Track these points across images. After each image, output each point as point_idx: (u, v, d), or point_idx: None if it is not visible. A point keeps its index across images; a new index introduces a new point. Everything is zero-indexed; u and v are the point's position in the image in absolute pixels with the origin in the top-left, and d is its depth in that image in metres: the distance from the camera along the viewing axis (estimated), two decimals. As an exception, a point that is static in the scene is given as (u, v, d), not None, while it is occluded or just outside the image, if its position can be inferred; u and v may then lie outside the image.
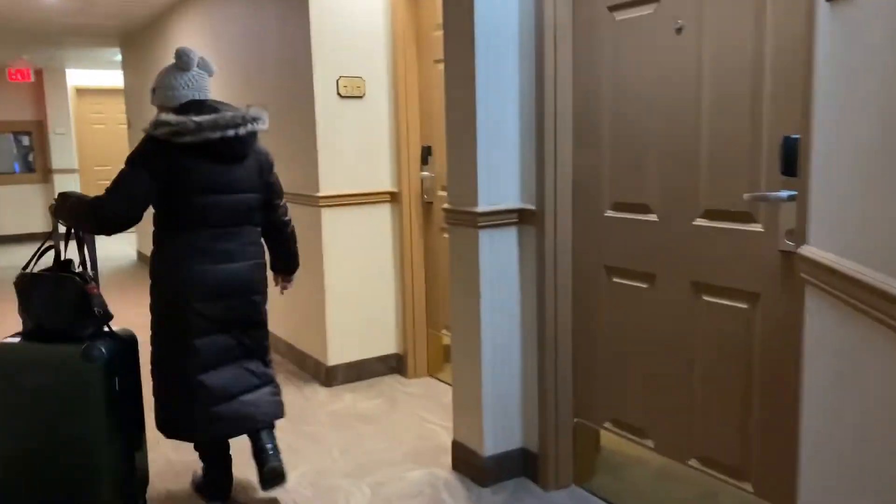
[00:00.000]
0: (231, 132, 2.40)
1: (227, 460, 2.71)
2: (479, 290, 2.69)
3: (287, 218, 2.79)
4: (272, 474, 2.56)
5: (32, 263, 2.52)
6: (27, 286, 2.47)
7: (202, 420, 2.50)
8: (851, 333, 1.39)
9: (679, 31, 2.16)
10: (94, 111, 11.33)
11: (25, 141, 10.86)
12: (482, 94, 2.61)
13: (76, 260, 2.54)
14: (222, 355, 2.52)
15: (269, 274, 2.77)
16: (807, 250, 1.62)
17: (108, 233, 2.47)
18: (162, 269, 2.51)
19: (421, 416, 3.54)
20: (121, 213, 2.41)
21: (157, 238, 2.54)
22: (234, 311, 2.53)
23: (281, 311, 4.51)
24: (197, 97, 2.50)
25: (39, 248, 2.56)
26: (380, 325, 4.12)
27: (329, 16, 3.81)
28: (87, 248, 2.58)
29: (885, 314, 1.19)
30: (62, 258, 2.54)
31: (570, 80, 2.56)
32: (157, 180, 2.40)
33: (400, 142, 3.95)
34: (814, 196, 1.62)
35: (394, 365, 4.16)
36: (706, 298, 2.17)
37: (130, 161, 2.42)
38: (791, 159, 1.82)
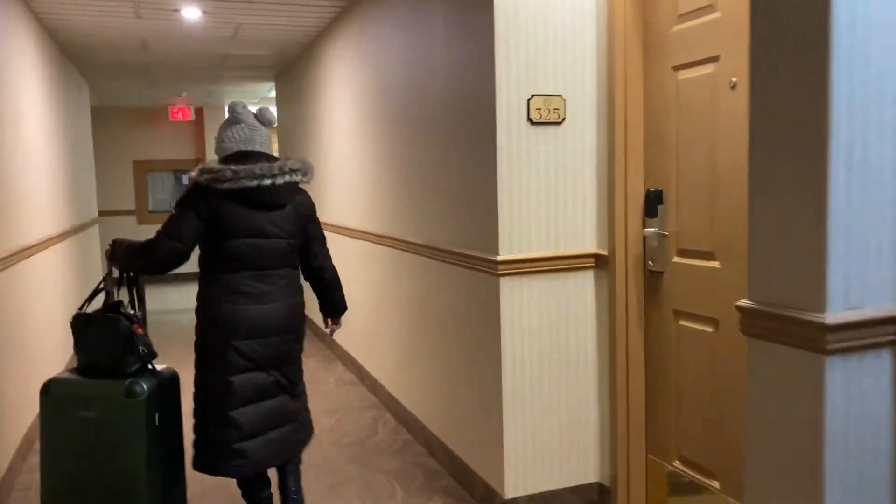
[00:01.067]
0: (267, 181, 2.56)
1: (262, 489, 2.82)
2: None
3: (327, 263, 2.91)
4: None
5: (86, 304, 2.75)
6: (81, 325, 2.66)
7: (228, 455, 2.60)
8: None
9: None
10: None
11: (185, 179, 10.75)
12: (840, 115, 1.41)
13: (126, 301, 2.72)
14: (257, 392, 2.64)
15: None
16: None
17: (160, 271, 2.66)
18: (203, 308, 2.66)
19: None
20: (171, 252, 2.56)
21: (201, 279, 2.69)
22: (270, 349, 2.64)
23: (439, 401, 3.45)
24: (244, 148, 2.67)
25: (94, 290, 2.80)
26: (577, 439, 2.93)
27: (519, 19, 2.75)
28: (137, 290, 2.77)
29: None
30: (113, 300, 2.71)
31: None
32: (202, 222, 2.57)
33: (614, 184, 2.78)
34: None
35: (594, 499, 2.94)
36: None
37: (179, 204, 2.62)
38: None
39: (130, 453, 2.54)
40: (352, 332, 4.79)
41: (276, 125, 2.97)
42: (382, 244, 4.30)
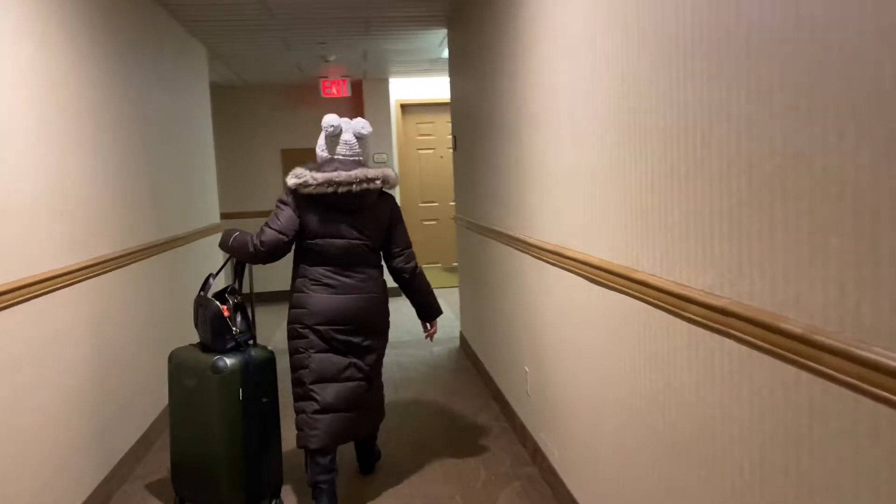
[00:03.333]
0: (344, 189, 2.87)
1: (322, 472, 2.96)
2: None
3: (410, 265, 3.16)
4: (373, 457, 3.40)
5: (206, 287, 3.10)
6: (196, 305, 3.06)
7: (306, 424, 2.93)
8: None
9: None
10: (420, 132, 8.88)
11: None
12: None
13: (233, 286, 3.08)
14: (333, 373, 2.95)
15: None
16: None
17: (264, 261, 2.96)
18: (293, 295, 3.03)
19: None
20: (269, 245, 2.90)
21: (294, 270, 3.07)
22: (346, 335, 2.97)
23: None
24: (334, 156, 2.99)
25: (209, 275, 3.17)
26: None
27: None
28: (240, 276, 3.08)
29: None
30: (234, 285, 3.08)
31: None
32: (298, 218, 2.94)
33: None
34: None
35: None
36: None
37: (279, 202, 2.97)
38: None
39: (214, 423, 2.85)
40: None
41: (367, 133, 3.04)
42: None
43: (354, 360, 2.98)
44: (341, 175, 2.86)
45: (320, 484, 2.91)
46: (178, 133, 5.09)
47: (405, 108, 8.77)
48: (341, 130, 2.99)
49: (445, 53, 6.72)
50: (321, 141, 3.02)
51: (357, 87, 8.42)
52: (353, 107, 8.64)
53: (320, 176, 2.86)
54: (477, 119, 4.60)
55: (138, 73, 4.14)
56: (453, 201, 9.12)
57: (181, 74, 5.35)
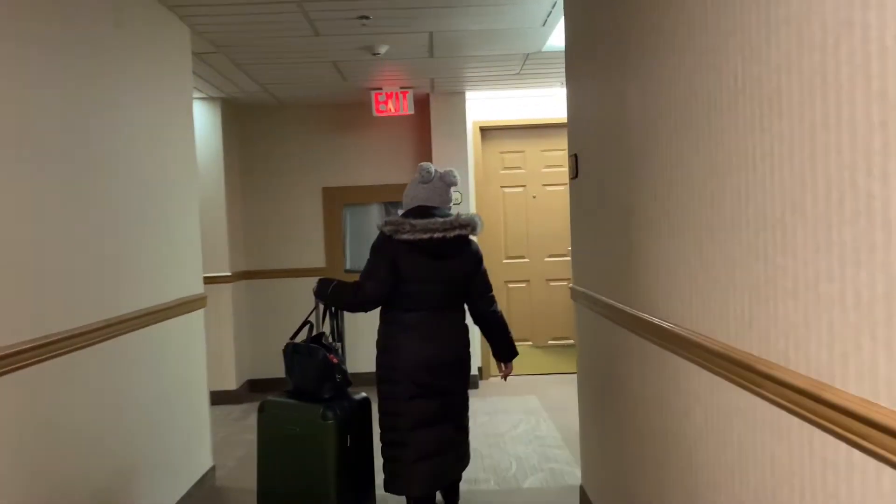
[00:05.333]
0: (439, 235, 2.99)
1: None
2: None
3: (492, 308, 3.29)
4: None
5: (296, 335, 3.23)
6: (289, 353, 3.16)
7: (404, 473, 3.03)
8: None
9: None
10: (506, 164, 6.65)
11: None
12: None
13: (327, 333, 3.23)
14: (426, 418, 3.03)
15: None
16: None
17: (366, 310, 3.13)
18: (382, 340, 3.12)
19: None
20: (375, 293, 3.04)
21: (382, 315, 3.16)
22: (437, 379, 3.05)
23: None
24: (425, 203, 3.12)
25: (302, 323, 3.25)
26: None
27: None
28: (338, 324, 3.25)
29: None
30: (317, 332, 3.22)
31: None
32: (392, 265, 3.03)
33: None
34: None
35: None
36: None
37: (374, 250, 3.08)
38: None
39: (324, 468, 2.97)
40: None
41: (457, 184, 3.21)
42: None
43: (446, 404, 3.08)
44: (437, 222, 3.02)
45: None
46: (124, 163, 3.04)
47: (486, 132, 6.58)
48: (437, 178, 3.15)
49: (554, 38, 4.51)
50: (414, 190, 3.15)
51: (422, 104, 6.29)
52: (417, 129, 6.50)
53: (419, 222, 3.01)
54: (625, 127, 2.37)
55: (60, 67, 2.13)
56: (550, 257, 6.92)
57: (147, 74, 3.32)
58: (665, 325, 2.12)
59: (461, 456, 3.24)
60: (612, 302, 2.71)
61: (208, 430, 4.10)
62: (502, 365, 3.40)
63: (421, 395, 3.01)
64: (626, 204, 2.49)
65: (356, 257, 6.59)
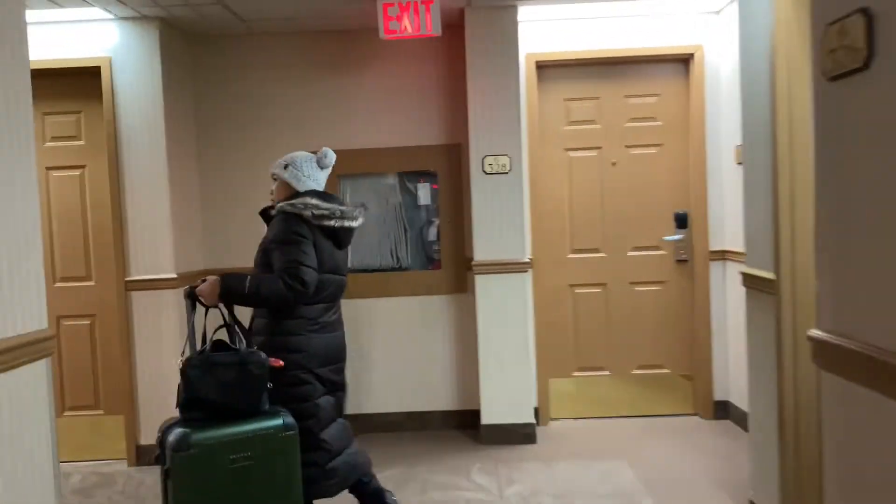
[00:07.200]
0: (349, 223, 2.86)
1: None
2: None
3: None
4: None
5: (189, 348, 2.71)
6: (203, 370, 2.68)
7: (329, 477, 2.82)
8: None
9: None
10: (573, 118, 4.63)
11: (423, 195, 4.66)
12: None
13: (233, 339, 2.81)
14: (332, 413, 2.89)
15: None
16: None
17: (304, 302, 2.76)
18: (283, 338, 2.79)
19: None
20: (314, 282, 2.72)
21: (275, 311, 2.79)
22: (338, 373, 2.93)
23: None
24: (316, 188, 2.90)
25: (191, 333, 2.76)
26: None
27: None
28: (240, 326, 2.79)
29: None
30: (230, 334, 2.79)
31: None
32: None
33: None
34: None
35: None
36: None
37: (295, 234, 2.74)
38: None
39: (288, 488, 2.60)
40: None
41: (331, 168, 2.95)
42: None
43: (341, 399, 2.98)
44: (349, 210, 2.87)
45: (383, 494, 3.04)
46: None
47: (545, 69, 4.54)
48: (326, 162, 2.97)
49: None
50: (313, 171, 2.93)
51: (453, 24, 4.29)
52: (445, 63, 4.51)
53: (343, 209, 2.84)
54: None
55: None
56: (636, 250, 4.56)
57: None
58: None
59: (359, 447, 3.09)
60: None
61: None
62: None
63: (326, 392, 2.88)
64: None
65: (357, 248, 4.65)
